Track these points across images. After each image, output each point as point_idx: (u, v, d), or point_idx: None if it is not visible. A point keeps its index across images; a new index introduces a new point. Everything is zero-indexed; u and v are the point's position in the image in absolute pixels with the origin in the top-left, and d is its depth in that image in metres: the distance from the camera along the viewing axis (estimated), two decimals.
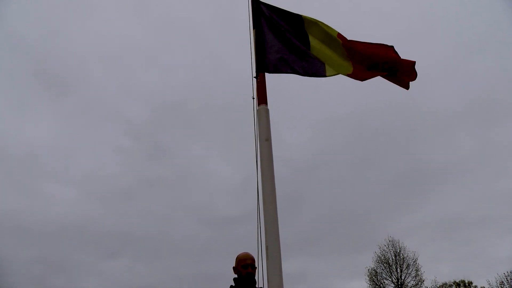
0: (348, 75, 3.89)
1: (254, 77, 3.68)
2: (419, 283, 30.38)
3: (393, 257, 31.12)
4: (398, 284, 30.43)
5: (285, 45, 3.89)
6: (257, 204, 3.13)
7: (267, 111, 3.46)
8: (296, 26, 3.94)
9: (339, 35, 3.88)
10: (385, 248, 31.53)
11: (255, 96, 3.58)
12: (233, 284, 3.16)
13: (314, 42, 3.91)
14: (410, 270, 30.53)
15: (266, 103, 3.51)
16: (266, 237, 2.92)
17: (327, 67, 3.87)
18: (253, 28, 3.91)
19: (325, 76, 3.87)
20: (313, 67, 3.84)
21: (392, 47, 3.81)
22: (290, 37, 3.89)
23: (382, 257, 31.39)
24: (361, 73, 3.88)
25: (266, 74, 3.71)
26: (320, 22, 3.93)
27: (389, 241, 31.67)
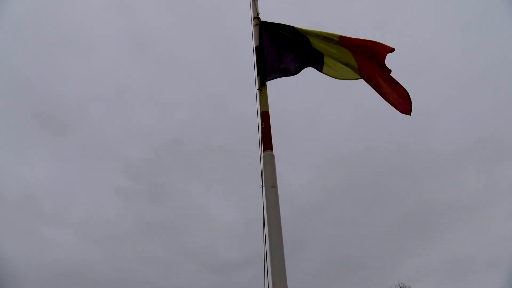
0: (359, 78, 3.99)
1: (258, 89, 3.85)
2: None
3: None
4: None
5: (284, 46, 4.14)
6: (264, 255, 3.04)
7: (272, 157, 3.44)
8: (297, 33, 4.17)
9: (341, 37, 3.93)
10: None
11: (260, 132, 3.57)
12: None
13: (314, 40, 4.09)
14: None
15: (271, 149, 3.50)
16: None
17: (326, 59, 4.03)
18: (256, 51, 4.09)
19: (321, 70, 4.07)
20: (312, 58, 4.07)
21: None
22: (291, 37, 4.14)
23: None
24: (366, 67, 3.90)
25: (272, 123, 3.73)
26: (318, 31, 4.08)
27: (400, 287, 30.39)
